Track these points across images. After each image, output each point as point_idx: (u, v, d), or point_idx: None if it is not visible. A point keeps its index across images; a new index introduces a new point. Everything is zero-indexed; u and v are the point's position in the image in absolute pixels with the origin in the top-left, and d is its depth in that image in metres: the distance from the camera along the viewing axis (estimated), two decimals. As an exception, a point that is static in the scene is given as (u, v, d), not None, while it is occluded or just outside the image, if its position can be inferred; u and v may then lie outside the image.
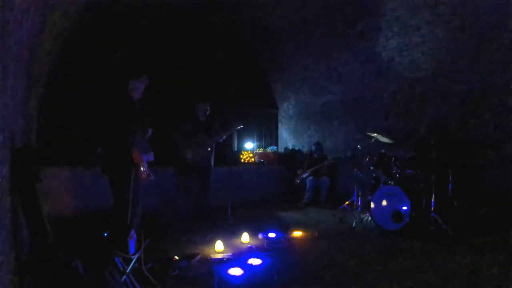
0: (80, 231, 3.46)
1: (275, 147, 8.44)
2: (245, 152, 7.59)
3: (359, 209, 5.23)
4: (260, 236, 3.99)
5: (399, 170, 4.66)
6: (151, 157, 3.25)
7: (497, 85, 4.73)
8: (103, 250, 2.30)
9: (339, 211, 5.50)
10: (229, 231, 4.17)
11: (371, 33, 5.68)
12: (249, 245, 3.69)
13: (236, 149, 7.85)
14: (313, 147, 6.75)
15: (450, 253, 3.43)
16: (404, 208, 4.20)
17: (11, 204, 1.93)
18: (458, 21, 4.67)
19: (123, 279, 2.24)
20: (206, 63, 7.01)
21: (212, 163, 4.90)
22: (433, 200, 4.31)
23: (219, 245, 3.49)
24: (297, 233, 4.25)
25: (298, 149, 7.99)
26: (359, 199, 5.36)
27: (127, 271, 2.32)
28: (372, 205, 4.55)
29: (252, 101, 8.08)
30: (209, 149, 4.80)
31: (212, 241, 3.63)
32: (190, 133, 4.69)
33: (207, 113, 4.82)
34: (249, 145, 7.99)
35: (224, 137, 4.95)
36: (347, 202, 5.64)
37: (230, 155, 6.95)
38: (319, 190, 6.41)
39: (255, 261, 3.14)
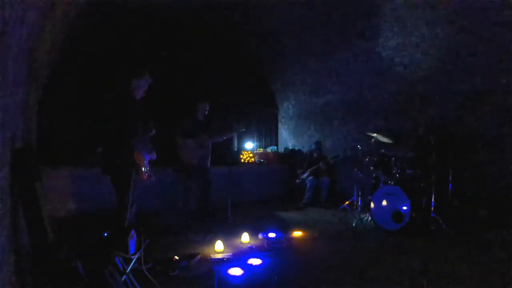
0: (80, 231, 3.46)
1: (275, 147, 8.45)
2: (245, 152, 7.59)
3: (359, 209, 5.23)
4: (260, 236, 3.99)
5: (399, 170, 4.66)
6: (153, 156, 3.24)
7: (497, 85, 4.73)
8: (103, 250, 2.30)
9: (339, 211, 5.50)
10: (229, 231, 4.17)
11: (371, 33, 5.68)
12: (249, 245, 3.68)
13: (236, 149, 7.85)
14: (313, 147, 6.75)
15: (450, 253, 3.43)
16: (404, 208, 4.20)
17: (11, 204, 1.93)
18: (458, 21, 4.68)
19: (123, 279, 2.24)
20: (206, 62, 7.01)
21: (209, 163, 4.90)
22: (433, 200, 4.32)
23: (219, 245, 3.49)
24: (297, 233, 4.25)
25: (298, 149, 7.99)
26: (359, 199, 5.36)
27: (127, 271, 2.32)
28: (372, 205, 4.55)
29: (252, 101, 8.08)
30: (208, 149, 4.80)
31: (212, 241, 3.63)
32: (190, 133, 4.69)
33: (206, 112, 4.82)
34: (249, 145, 7.99)
35: (224, 139, 4.96)
36: (347, 202, 5.64)
37: (230, 155, 6.95)
38: (319, 190, 6.41)
39: (255, 261, 3.14)
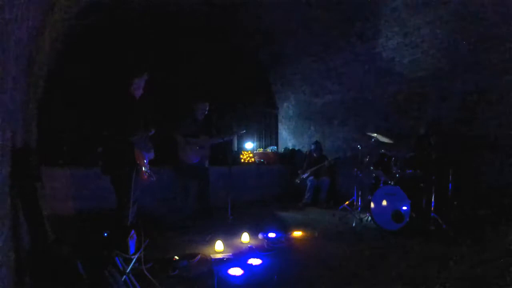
0: (80, 231, 3.46)
1: (275, 147, 8.45)
2: (245, 152, 7.59)
3: (359, 209, 5.23)
4: (260, 236, 3.99)
5: (399, 170, 4.66)
6: (152, 154, 3.24)
7: (497, 85, 4.73)
8: (103, 250, 2.30)
9: (339, 211, 5.50)
10: (229, 231, 4.16)
11: (371, 33, 5.69)
12: (249, 245, 3.68)
13: (236, 149, 7.85)
14: (312, 147, 6.75)
15: (450, 253, 3.43)
16: (404, 208, 4.20)
17: (11, 204, 1.93)
18: (458, 21, 4.68)
19: (123, 279, 2.24)
20: (206, 62, 7.01)
21: (207, 163, 4.89)
22: (433, 200, 4.32)
23: (219, 245, 3.49)
24: (297, 233, 4.25)
25: (298, 149, 7.99)
26: (359, 199, 5.36)
27: (127, 271, 2.32)
28: (372, 205, 4.55)
29: (252, 101, 8.08)
30: (207, 149, 4.80)
31: (212, 241, 3.63)
32: (190, 133, 4.69)
33: (206, 112, 4.82)
34: (249, 145, 7.99)
35: (224, 140, 4.96)
36: (347, 202, 5.63)
37: (230, 155, 6.96)
38: (319, 190, 6.41)
39: (255, 261, 3.14)
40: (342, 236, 4.21)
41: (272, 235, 3.95)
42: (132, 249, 2.50)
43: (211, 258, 3.19)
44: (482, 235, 4.03)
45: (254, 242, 3.80)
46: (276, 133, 8.84)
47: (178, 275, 2.81)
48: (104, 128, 3.11)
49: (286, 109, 8.53)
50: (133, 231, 2.58)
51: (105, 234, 2.49)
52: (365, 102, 6.59)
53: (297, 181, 6.59)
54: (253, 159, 7.51)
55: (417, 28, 5.12)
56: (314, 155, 6.62)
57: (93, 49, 5.64)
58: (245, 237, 3.85)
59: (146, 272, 2.49)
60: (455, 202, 4.59)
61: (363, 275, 2.90)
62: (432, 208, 4.30)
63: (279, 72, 7.97)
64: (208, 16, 6.15)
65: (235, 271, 2.84)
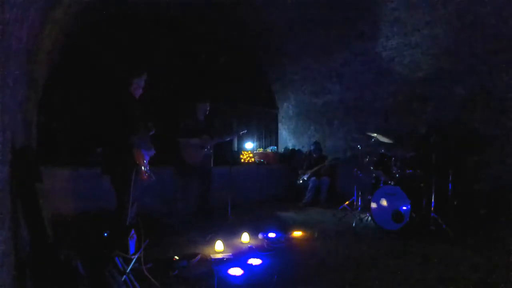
0: (80, 231, 3.46)
1: (275, 147, 8.44)
2: (245, 152, 7.58)
3: (359, 209, 5.23)
4: (260, 236, 3.99)
5: (399, 170, 4.66)
6: (152, 151, 3.23)
7: (497, 85, 4.74)
8: (103, 250, 2.30)
9: (339, 211, 5.50)
10: (229, 231, 4.17)
11: (371, 33, 5.69)
12: (249, 245, 3.68)
13: (236, 149, 7.85)
14: (312, 147, 6.75)
15: (450, 253, 3.43)
16: (404, 208, 4.20)
17: (11, 204, 1.93)
18: (458, 21, 4.68)
19: (123, 279, 2.24)
20: (206, 62, 7.01)
21: (212, 163, 4.91)
22: (433, 200, 4.32)
23: (219, 245, 3.49)
24: (297, 233, 4.25)
25: (298, 149, 7.99)
26: (359, 199, 5.36)
27: (127, 271, 2.32)
28: (372, 205, 4.55)
29: (252, 101, 8.08)
30: (210, 149, 4.80)
31: (212, 241, 3.63)
32: (191, 133, 4.68)
33: (207, 113, 4.82)
34: (249, 145, 7.99)
35: (227, 140, 4.97)
36: (347, 202, 5.63)
37: (230, 155, 6.95)
38: (319, 190, 6.41)
39: (255, 261, 3.14)
40: (342, 236, 4.21)
41: (272, 235, 3.96)
42: (132, 249, 2.50)
43: (211, 258, 3.19)
44: (482, 235, 4.04)
45: (254, 242, 3.80)
46: (276, 133, 8.83)
47: (178, 275, 2.81)
48: (104, 128, 3.11)
49: (286, 109, 8.53)
50: (133, 231, 2.58)
51: (105, 234, 2.49)
52: (365, 102, 6.59)
53: (299, 181, 6.59)
54: (253, 159, 7.51)
55: (417, 28, 5.12)
56: (314, 155, 6.63)
57: (93, 49, 5.63)
58: (245, 237, 3.85)
59: (146, 272, 2.49)
60: (455, 202, 4.60)
61: (363, 275, 2.90)
62: (432, 208, 4.30)
63: (279, 72, 7.97)
64: (209, 16, 6.15)
65: (235, 271, 2.85)
